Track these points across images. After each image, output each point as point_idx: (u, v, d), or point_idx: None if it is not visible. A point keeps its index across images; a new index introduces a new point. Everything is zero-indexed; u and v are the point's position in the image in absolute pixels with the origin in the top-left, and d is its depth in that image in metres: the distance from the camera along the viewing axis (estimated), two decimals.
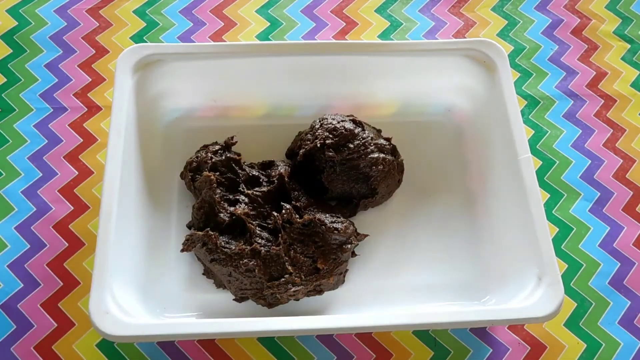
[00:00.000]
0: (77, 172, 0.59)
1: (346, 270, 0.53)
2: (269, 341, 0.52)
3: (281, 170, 0.55)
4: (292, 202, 0.54)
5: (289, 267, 0.50)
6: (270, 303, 0.51)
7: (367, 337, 0.52)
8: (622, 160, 0.62)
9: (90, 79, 0.64)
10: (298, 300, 0.51)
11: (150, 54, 0.55)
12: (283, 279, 0.50)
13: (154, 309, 0.50)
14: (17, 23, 0.67)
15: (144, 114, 0.55)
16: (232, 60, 0.57)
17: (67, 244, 0.55)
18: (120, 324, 0.44)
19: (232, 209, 0.52)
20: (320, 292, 0.52)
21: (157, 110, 0.58)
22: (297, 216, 0.52)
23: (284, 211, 0.52)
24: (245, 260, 0.49)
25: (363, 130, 0.55)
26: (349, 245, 0.52)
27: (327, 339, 0.52)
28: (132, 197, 0.52)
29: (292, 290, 0.50)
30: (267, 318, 0.46)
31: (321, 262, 0.51)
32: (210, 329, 0.45)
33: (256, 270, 0.49)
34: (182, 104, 0.59)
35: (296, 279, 0.50)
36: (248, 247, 0.50)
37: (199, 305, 0.51)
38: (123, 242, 0.49)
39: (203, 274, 0.53)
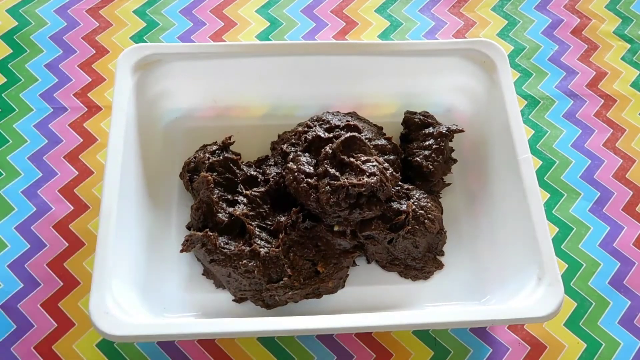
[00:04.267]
0: (77, 172, 0.59)
1: (347, 276, 0.53)
2: (269, 341, 0.52)
3: (278, 169, 0.54)
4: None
5: (288, 270, 0.50)
6: (269, 304, 0.51)
7: (367, 337, 0.52)
8: (622, 160, 0.62)
9: (90, 79, 0.64)
10: (296, 302, 0.51)
11: (150, 54, 0.55)
12: (282, 282, 0.50)
13: (154, 309, 0.49)
14: (17, 23, 0.67)
15: (144, 114, 0.55)
16: (232, 60, 0.57)
17: (67, 244, 0.55)
18: (120, 324, 0.44)
19: (231, 209, 0.52)
20: (318, 295, 0.52)
21: (157, 110, 0.58)
22: (300, 219, 0.52)
23: (290, 216, 0.52)
24: (245, 261, 0.49)
25: (360, 132, 0.55)
26: (354, 254, 0.52)
27: (327, 339, 0.52)
28: (132, 197, 0.52)
29: (290, 293, 0.50)
30: (267, 318, 0.46)
31: (321, 266, 0.51)
32: (210, 328, 0.45)
33: (255, 272, 0.49)
34: (182, 104, 0.59)
35: (295, 282, 0.50)
36: (247, 248, 0.50)
37: (199, 305, 0.51)
38: (123, 242, 0.49)
39: (203, 274, 0.53)
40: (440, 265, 0.54)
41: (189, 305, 0.51)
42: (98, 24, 0.68)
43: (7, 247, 0.55)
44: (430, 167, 0.54)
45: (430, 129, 0.56)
